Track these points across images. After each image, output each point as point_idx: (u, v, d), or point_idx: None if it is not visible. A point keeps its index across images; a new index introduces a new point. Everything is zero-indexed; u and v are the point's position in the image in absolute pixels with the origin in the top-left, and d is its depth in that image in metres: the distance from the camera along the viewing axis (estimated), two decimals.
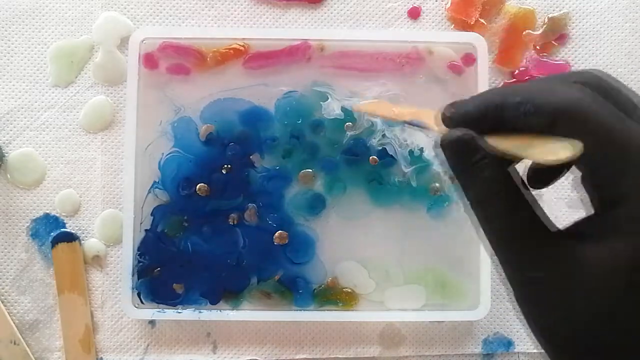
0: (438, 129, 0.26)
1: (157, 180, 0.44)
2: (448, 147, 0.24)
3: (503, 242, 0.24)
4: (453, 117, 0.25)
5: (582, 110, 0.22)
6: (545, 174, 0.28)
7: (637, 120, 0.23)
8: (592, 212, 0.24)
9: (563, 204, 0.46)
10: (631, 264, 0.22)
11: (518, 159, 0.25)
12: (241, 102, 0.44)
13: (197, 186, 0.43)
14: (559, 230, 0.25)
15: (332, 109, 0.44)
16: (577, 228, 0.25)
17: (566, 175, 0.46)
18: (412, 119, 0.27)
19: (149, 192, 0.44)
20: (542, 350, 0.45)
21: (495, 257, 0.25)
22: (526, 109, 0.23)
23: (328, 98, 0.44)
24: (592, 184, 0.24)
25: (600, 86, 0.24)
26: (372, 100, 0.42)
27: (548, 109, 0.23)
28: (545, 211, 0.47)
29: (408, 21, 0.47)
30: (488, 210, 0.24)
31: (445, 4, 0.47)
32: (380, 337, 0.45)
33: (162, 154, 0.44)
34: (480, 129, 0.24)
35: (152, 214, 0.43)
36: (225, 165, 0.43)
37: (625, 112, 0.23)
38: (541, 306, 0.24)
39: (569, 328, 0.23)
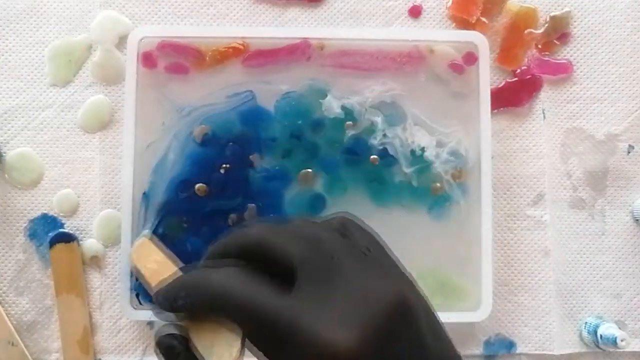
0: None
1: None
2: (158, 345, 0.27)
3: None
4: (155, 302, 0.27)
5: (227, 300, 0.24)
6: None
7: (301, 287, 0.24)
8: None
9: (566, 204, 0.46)
10: None
11: None
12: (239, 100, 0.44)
13: (196, 186, 0.43)
14: None
15: (332, 106, 0.44)
16: None
17: (570, 175, 0.46)
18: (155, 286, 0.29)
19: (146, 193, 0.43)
20: (544, 352, 0.45)
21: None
22: (188, 305, 0.25)
23: (327, 95, 0.44)
24: None
25: (256, 252, 0.26)
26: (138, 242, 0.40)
27: (203, 304, 0.25)
28: (548, 211, 0.47)
29: (409, 20, 0.47)
30: None
31: (447, 3, 0.47)
32: None
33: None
34: (174, 312, 0.26)
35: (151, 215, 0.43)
36: (224, 165, 0.43)
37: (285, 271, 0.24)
38: None
39: None
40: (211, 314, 0.25)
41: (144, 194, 0.43)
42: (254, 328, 0.24)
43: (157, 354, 0.27)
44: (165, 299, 0.26)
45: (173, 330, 0.27)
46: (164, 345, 0.26)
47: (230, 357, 0.25)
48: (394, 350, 0.22)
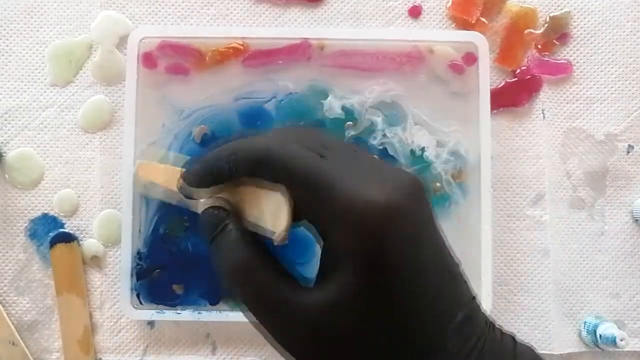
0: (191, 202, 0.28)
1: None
2: (203, 218, 0.26)
3: (248, 300, 0.27)
4: (187, 182, 0.27)
5: (273, 157, 0.24)
6: None
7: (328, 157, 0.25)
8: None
9: (566, 204, 0.46)
10: (321, 308, 0.24)
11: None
12: (240, 102, 0.44)
13: None
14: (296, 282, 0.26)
15: (334, 107, 0.44)
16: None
17: (569, 175, 0.46)
18: (179, 200, 0.29)
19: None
20: (543, 352, 0.45)
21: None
22: (234, 163, 0.25)
23: (328, 95, 0.44)
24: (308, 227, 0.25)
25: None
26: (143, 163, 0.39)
27: (249, 160, 0.25)
28: (548, 211, 0.47)
29: (409, 20, 0.47)
30: (233, 275, 0.26)
31: (446, 3, 0.47)
32: None
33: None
34: (213, 184, 0.26)
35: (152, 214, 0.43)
36: None
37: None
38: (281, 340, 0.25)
39: None
40: (253, 176, 0.25)
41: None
42: (300, 185, 0.24)
43: (202, 230, 0.26)
44: (202, 172, 0.26)
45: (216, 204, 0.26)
46: (209, 217, 0.26)
47: (285, 218, 0.24)
48: (419, 217, 0.24)
